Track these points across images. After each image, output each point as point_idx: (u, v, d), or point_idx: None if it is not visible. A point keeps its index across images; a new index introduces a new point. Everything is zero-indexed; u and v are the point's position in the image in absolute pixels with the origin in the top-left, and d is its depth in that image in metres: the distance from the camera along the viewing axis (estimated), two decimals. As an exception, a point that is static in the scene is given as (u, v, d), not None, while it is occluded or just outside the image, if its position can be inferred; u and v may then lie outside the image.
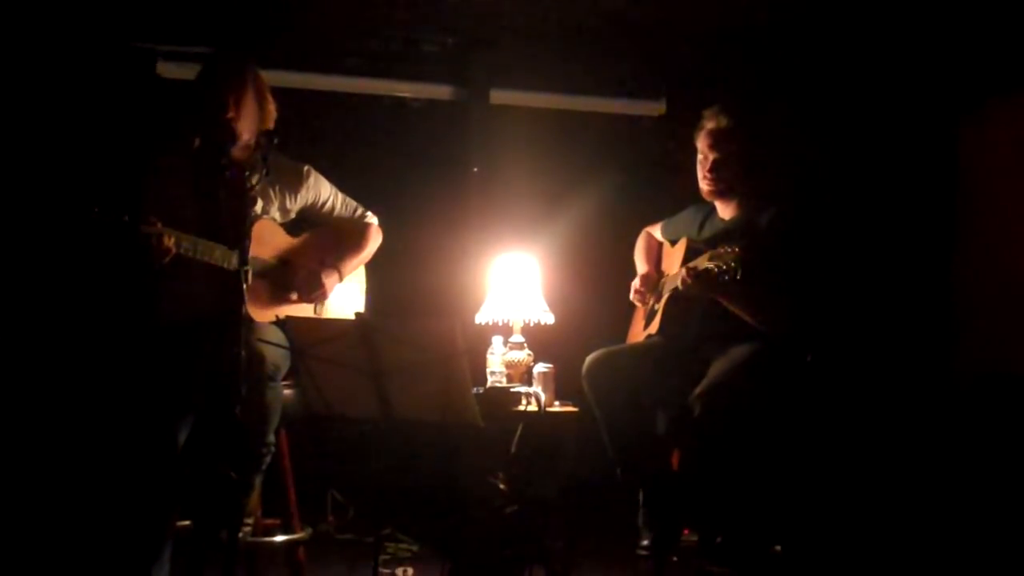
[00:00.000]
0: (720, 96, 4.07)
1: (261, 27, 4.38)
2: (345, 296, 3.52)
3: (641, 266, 3.82)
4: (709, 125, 3.55)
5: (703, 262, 3.28)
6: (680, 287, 3.39)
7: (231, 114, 3.14)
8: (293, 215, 3.42)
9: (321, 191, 3.46)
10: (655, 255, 3.85)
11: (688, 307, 3.47)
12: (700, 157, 3.58)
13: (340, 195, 3.53)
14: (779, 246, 3.40)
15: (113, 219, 2.90)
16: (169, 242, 2.97)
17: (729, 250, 3.18)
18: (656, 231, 3.89)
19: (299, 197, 3.40)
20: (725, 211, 3.61)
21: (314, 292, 3.36)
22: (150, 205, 3.06)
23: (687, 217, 3.75)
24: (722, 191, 3.57)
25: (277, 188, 3.33)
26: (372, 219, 3.60)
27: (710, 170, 3.54)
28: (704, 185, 3.58)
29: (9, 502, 3.64)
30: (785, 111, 4.76)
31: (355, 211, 3.57)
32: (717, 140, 3.53)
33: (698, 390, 3.24)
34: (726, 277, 3.17)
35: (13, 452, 3.81)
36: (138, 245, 2.94)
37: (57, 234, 3.76)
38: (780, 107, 4.76)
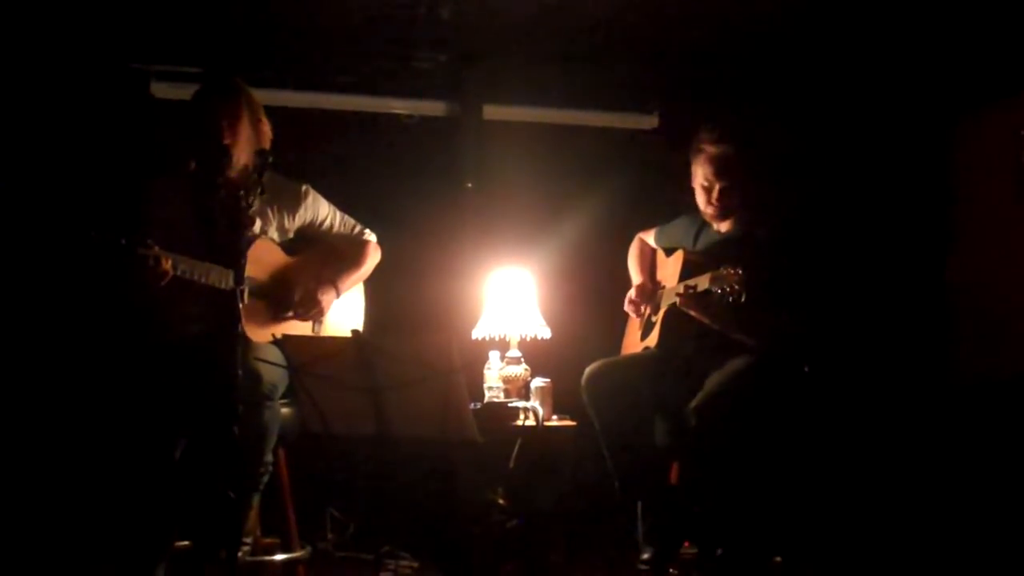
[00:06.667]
0: (715, 110, 4.08)
1: (254, 46, 4.39)
2: (344, 313, 3.52)
3: (636, 275, 3.80)
4: (711, 151, 3.45)
5: (704, 282, 3.25)
6: (678, 304, 3.39)
7: (227, 140, 3.15)
8: (292, 234, 3.42)
9: (319, 210, 3.47)
10: (649, 263, 3.83)
11: (686, 320, 3.44)
12: (703, 182, 3.49)
13: (338, 213, 3.53)
14: (782, 260, 3.37)
15: (110, 242, 2.91)
16: (166, 264, 2.98)
17: (732, 272, 3.12)
18: (650, 237, 3.87)
19: (297, 216, 3.41)
20: (721, 224, 3.58)
21: (311, 310, 3.36)
22: (147, 227, 3.07)
23: (681, 226, 3.72)
24: (726, 215, 3.54)
25: (275, 207, 3.34)
26: (370, 236, 3.61)
27: (717, 199, 3.48)
28: (709, 210, 3.53)
29: (4, 521, 3.63)
30: (780, 120, 4.77)
31: (353, 229, 3.57)
32: (722, 168, 3.44)
33: (694, 402, 3.24)
34: (729, 300, 3.13)
35: (9, 470, 3.81)
36: (135, 267, 2.95)
37: (55, 255, 3.76)
38: (775, 116, 4.77)
